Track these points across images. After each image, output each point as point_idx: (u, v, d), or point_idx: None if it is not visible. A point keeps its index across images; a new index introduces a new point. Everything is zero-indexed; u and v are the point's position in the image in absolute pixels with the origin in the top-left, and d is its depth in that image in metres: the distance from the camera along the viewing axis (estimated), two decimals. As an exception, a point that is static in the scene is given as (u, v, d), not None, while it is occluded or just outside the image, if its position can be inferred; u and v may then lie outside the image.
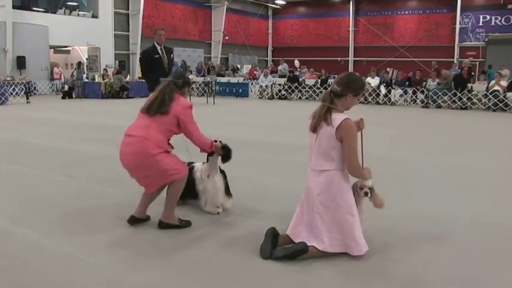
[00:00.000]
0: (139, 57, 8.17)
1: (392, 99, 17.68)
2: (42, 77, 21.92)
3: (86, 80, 20.96)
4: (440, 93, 16.32)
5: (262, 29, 37.85)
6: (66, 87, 20.03)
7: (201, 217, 4.09)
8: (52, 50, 23.73)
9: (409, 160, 6.86)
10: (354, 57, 34.32)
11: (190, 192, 4.25)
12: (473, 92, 16.16)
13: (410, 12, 32.29)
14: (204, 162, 4.27)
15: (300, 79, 21.12)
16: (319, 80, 20.55)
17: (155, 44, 7.63)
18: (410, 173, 6.01)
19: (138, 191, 3.98)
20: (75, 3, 25.28)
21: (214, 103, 17.23)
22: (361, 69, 28.46)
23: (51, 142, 8.34)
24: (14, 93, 17.65)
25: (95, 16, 25.02)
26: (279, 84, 20.75)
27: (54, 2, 24.79)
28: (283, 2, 36.32)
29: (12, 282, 2.92)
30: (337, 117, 3.19)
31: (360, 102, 3.43)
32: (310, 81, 20.72)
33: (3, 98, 16.06)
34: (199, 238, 3.65)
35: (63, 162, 6.56)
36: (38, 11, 23.20)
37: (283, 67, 23.70)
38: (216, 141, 4.04)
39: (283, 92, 20.15)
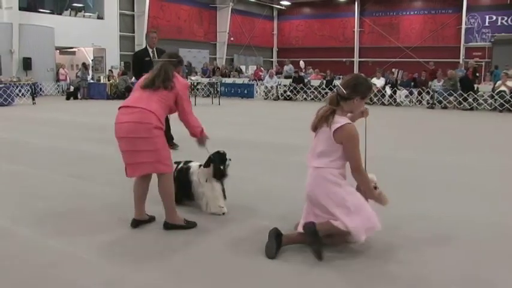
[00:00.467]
0: (132, 60, 8.17)
1: (398, 100, 17.61)
2: (48, 78, 22.08)
3: (91, 81, 21.05)
4: (445, 94, 16.24)
5: (267, 29, 37.87)
6: (72, 88, 20.14)
7: (204, 218, 4.06)
8: (58, 51, 23.86)
9: (413, 161, 6.81)
10: (359, 58, 34.25)
11: (186, 194, 4.25)
12: (479, 93, 16.06)
13: (415, 12, 32.15)
14: (200, 165, 4.25)
15: (305, 80, 21.07)
16: (325, 81, 20.47)
17: (147, 46, 7.61)
18: (415, 174, 5.96)
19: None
20: (81, 5, 25.43)
21: (219, 104, 17.25)
22: (366, 70, 28.37)
23: (52, 142, 8.35)
24: (20, 94, 17.70)
25: (100, 17, 25.16)
26: (284, 85, 20.74)
27: (60, 3, 24.92)
28: (288, 3, 36.31)
29: (13, 282, 2.91)
30: (338, 121, 3.18)
31: (365, 103, 3.40)
32: (316, 82, 20.68)
33: (9, 99, 16.16)
34: (201, 238, 3.62)
35: (63, 162, 6.56)
36: (44, 13, 23.36)
37: (289, 68, 23.68)
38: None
39: (288, 93, 20.13)
